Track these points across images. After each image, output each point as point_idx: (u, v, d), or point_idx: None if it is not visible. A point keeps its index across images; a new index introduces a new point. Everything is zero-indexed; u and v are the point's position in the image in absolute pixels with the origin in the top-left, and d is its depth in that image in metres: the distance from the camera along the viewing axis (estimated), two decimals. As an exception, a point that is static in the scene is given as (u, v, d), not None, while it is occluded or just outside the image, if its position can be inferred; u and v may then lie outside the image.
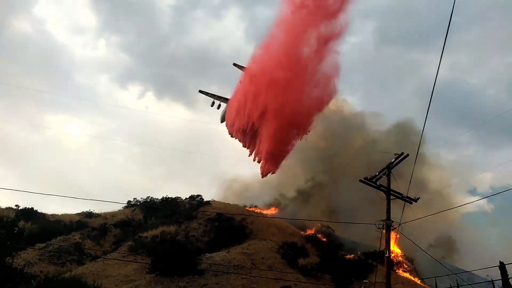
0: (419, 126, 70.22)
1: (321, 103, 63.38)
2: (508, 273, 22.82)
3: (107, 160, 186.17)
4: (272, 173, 70.03)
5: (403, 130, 73.13)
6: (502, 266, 23.07)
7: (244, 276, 40.27)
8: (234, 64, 71.82)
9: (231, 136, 77.19)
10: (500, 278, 22.68)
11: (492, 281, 21.60)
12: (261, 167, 70.14)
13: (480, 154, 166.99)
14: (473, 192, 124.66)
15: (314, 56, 59.64)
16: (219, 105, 76.67)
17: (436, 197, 57.24)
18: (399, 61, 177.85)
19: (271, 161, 67.91)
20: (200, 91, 77.91)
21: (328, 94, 63.35)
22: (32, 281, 26.82)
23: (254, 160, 72.13)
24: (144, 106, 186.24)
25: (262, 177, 70.06)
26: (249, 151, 74.20)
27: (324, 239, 60.72)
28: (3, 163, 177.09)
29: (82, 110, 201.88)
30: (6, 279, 23.27)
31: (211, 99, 77.94)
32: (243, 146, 75.45)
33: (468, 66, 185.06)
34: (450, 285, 22.62)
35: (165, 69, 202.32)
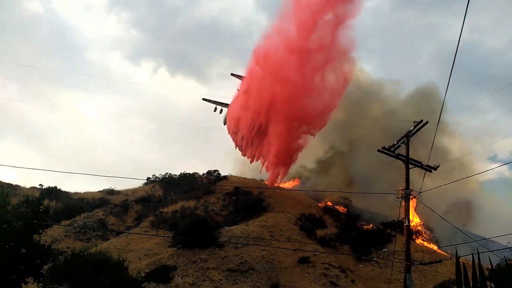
0: (438, 91, 68.17)
1: (338, 89, 60.29)
2: (530, 239, 22.65)
3: (124, 138, 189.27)
4: (281, 178, 67.70)
5: (422, 97, 71.26)
6: (524, 233, 22.89)
7: (263, 248, 41.02)
8: (232, 74, 74.38)
9: (236, 145, 77.51)
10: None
11: (513, 247, 21.46)
12: (269, 176, 66.87)
13: (502, 119, 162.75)
14: (493, 159, 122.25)
15: (328, 37, 57.04)
16: (221, 110, 78.58)
17: (456, 165, 56.37)
18: (416, 25, 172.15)
19: (281, 164, 64.34)
20: (204, 99, 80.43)
21: (344, 78, 60.43)
22: (60, 256, 27.93)
23: (260, 172, 70.14)
24: (157, 82, 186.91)
25: (271, 185, 65.99)
26: (255, 159, 72.46)
27: (343, 210, 61.02)
28: (24, 143, 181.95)
29: (96, 89, 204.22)
30: (35, 256, 24.28)
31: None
32: (249, 159, 73.81)
33: (489, 28, 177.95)
34: (472, 253, 22.52)
35: (177, 44, 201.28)
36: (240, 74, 71.60)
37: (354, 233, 51.85)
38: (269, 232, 47.23)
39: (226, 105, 77.90)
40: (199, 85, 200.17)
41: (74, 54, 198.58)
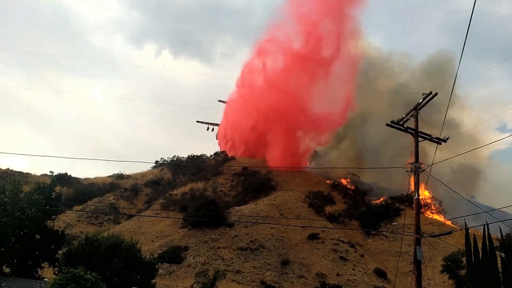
0: (449, 61, 66.69)
1: (347, 81, 58.43)
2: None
3: (131, 122, 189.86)
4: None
5: (432, 68, 69.94)
6: (534, 202, 22.87)
7: (272, 226, 41.45)
8: (219, 101, 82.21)
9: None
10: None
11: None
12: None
13: (510, 87, 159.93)
14: (503, 128, 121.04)
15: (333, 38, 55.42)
16: (213, 129, 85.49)
17: (465, 137, 55.87)
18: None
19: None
20: (198, 121, 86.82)
21: (352, 64, 58.60)
22: (74, 241, 28.47)
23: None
24: (161, 65, 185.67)
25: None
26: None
27: (352, 187, 61.16)
28: (32, 131, 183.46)
29: (101, 74, 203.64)
30: (49, 241, 24.77)
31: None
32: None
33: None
34: (484, 224, 22.54)
35: (179, 25, 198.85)
36: (225, 100, 79.50)
37: (363, 208, 52.16)
38: (278, 210, 47.62)
39: (217, 124, 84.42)
40: (203, 65, 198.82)
41: (77, 40, 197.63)
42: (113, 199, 59.53)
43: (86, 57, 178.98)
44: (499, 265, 24.68)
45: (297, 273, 35.72)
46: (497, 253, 24.75)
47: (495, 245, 25.69)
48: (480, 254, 25.67)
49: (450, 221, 42.59)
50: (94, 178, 70.66)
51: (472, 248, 26.19)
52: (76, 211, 50.15)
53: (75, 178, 68.61)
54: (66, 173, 67.70)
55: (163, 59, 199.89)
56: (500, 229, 24.83)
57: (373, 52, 76.84)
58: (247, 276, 34.65)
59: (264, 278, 34.32)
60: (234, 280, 33.71)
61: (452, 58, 66.72)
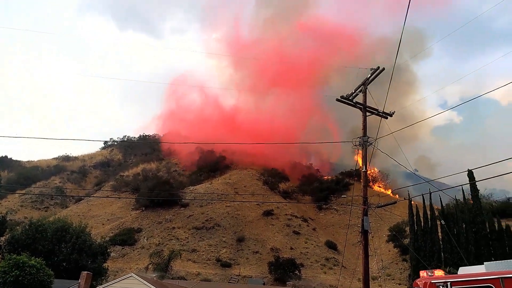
0: (392, 38, 69.28)
1: None
2: (475, 178, 24.40)
3: (76, 99, 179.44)
4: None
5: (382, 45, 72.37)
6: (470, 173, 24.63)
7: (228, 205, 41.67)
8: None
9: None
10: (468, 183, 24.38)
11: (461, 185, 23.03)
12: None
13: (452, 65, 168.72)
14: (443, 105, 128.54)
15: None
16: None
17: (409, 115, 58.91)
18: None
19: None
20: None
21: None
22: (17, 227, 26.92)
23: None
24: (106, 39, 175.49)
25: None
26: None
27: (305, 163, 62.69)
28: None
29: (44, 47, 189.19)
30: (-12, 227, 23.23)
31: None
32: None
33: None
34: (422, 194, 24.02)
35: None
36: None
37: (315, 184, 53.78)
38: (233, 188, 47.87)
39: None
40: (152, 39, 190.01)
41: (16, 9, 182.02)
42: (60, 182, 56.85)
43: (28, 28, 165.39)
44: (439, 232, 26.49)
45: (252, 249, 36.37)
46: (438, 221, 26.49)
47: (436, 214, 27.49)
48: (422, 223, 27.44)
49: (397, 195, 45.05)
50: (38, 160, 67.00)
51: (414, 217, 27.92)
52: (21, 193, 47.42)
53: (16, 161, 64.62)
54: (6, 156, 63.50)
55: (108, 33, 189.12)
56: (440, 199, 26.52)
57: (323, 25, 77.94)
58: (203, 254, 34.78)
59: (219, 255, 34.62)
60: (190, 259, 33.71)
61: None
